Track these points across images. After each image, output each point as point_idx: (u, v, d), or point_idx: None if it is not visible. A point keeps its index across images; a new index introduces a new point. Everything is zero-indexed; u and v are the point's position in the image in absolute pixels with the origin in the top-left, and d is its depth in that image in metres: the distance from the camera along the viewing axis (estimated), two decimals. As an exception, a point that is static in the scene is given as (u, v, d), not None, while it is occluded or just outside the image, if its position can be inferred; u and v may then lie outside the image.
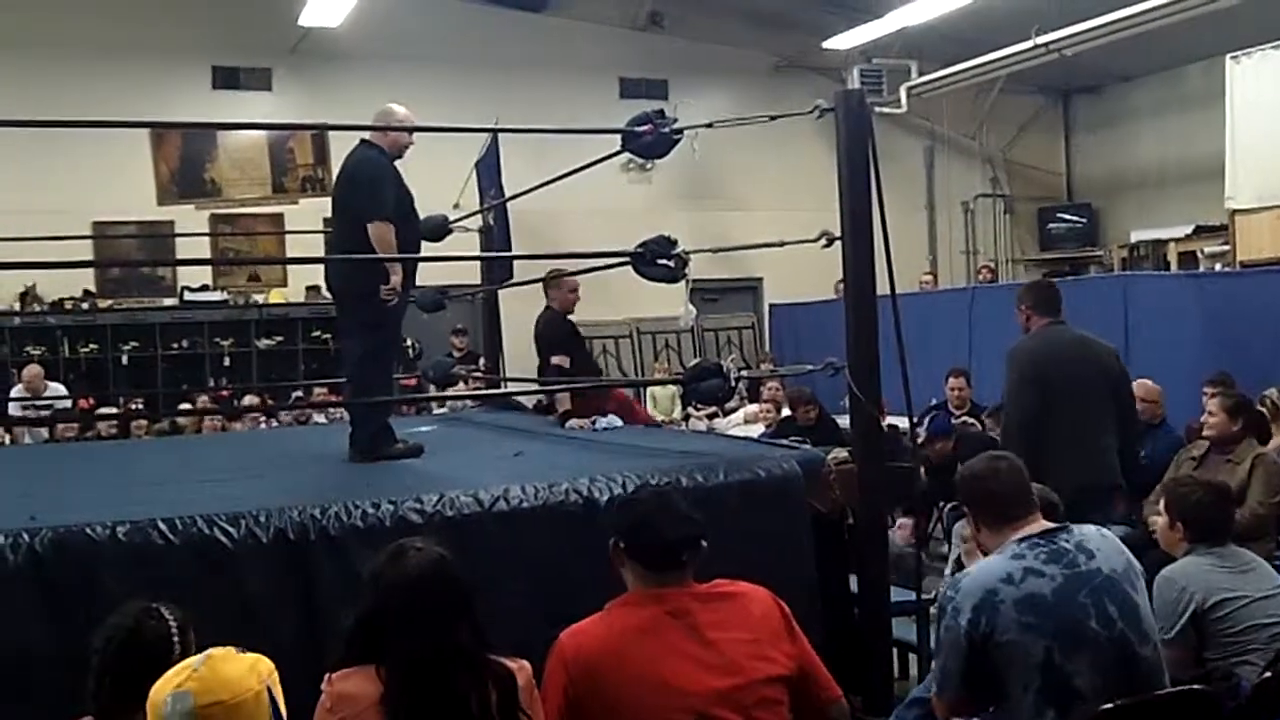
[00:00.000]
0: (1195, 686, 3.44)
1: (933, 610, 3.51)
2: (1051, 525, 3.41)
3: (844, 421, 6.19)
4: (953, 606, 3.30)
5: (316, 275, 13.79)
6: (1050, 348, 5.80)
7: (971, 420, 8.68)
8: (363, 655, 2.81)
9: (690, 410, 11.56)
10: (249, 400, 11.47)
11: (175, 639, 2.78)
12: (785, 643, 3.19)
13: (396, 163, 5.62)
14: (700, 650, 3.08)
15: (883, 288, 4.80)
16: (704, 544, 3.22)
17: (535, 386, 7.93)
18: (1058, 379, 5.67)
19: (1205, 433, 6.37)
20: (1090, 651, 3.19)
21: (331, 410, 10.76)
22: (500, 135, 12.05)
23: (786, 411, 10.30)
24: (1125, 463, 5.89)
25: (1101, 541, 3.40)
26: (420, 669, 2.74)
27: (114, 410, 12.15)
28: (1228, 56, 12.10)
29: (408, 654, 2.76)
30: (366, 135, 5.70)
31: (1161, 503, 4.42)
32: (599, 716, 3.02)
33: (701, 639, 3.10)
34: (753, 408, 10.94)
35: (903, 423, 5.67)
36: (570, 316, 7.35)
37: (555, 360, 7.16)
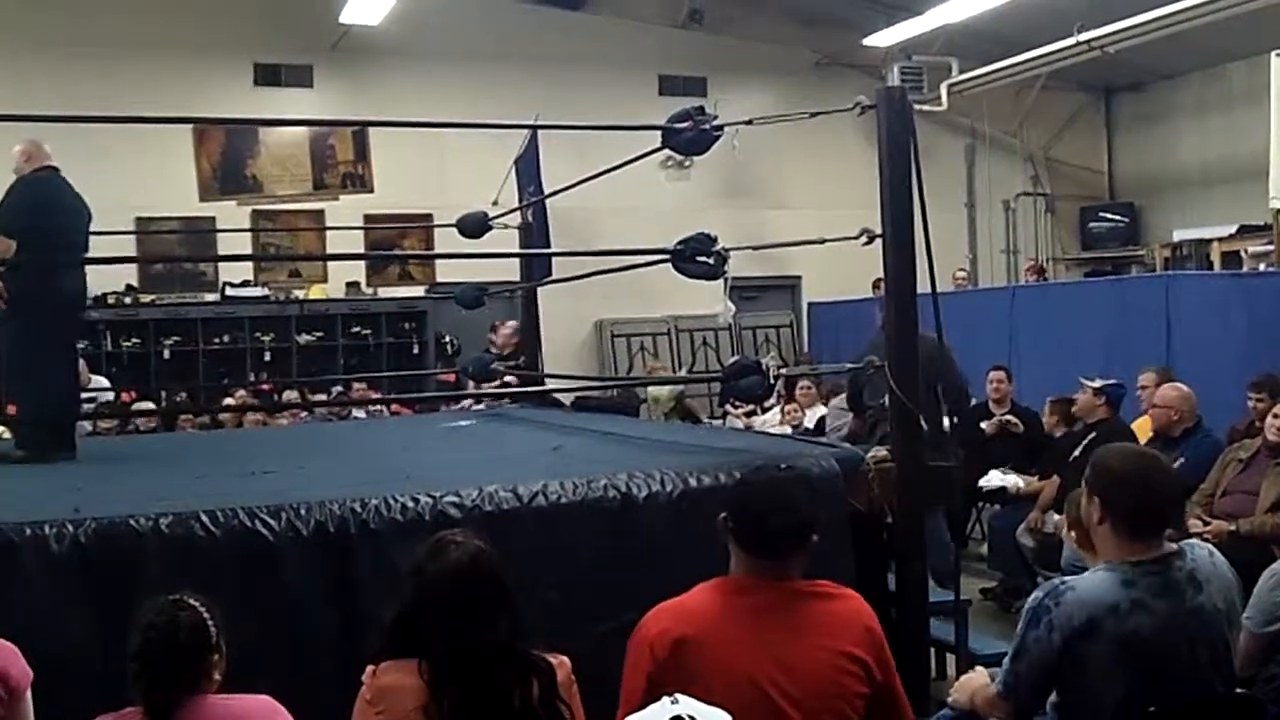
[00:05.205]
0: (1240, 691, 3.38)
1: (1022, 608, 3.27)
2: (1169, 550, 3.19)
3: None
4: (1049, 620, 3.12)
5: (356, 271, 13.93)
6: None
7: (1011, 418, 8.62)
8: (402, 648, 2.83)
9: (728, 408, 11.55)
10: (289, 395, 11.53)
11: (211, 625, 2.86)
12: (872, 658, 3.05)
13: None
14: (785, 650, 2.95)
15: (923, 286, 4.78)
16: (814, 538, 3.09)
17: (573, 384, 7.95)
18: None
19: (1270, 437, 6.24)
20: (1170, 693, 3.09)
21: (372, 405, 10.84)
22: (540, 133, 12.07)
23: (820, 411, 10.27)
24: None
25: (1212, 570, 3.22)
26: (461, 662, 2.75)
27: (155, 404, 12.23)
28: (1272, 54, 11.93)
29: (448, 647, 2.77)
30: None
31: None
32: None
33: (789, 638, 2.98)
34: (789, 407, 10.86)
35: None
36: None
37: None
